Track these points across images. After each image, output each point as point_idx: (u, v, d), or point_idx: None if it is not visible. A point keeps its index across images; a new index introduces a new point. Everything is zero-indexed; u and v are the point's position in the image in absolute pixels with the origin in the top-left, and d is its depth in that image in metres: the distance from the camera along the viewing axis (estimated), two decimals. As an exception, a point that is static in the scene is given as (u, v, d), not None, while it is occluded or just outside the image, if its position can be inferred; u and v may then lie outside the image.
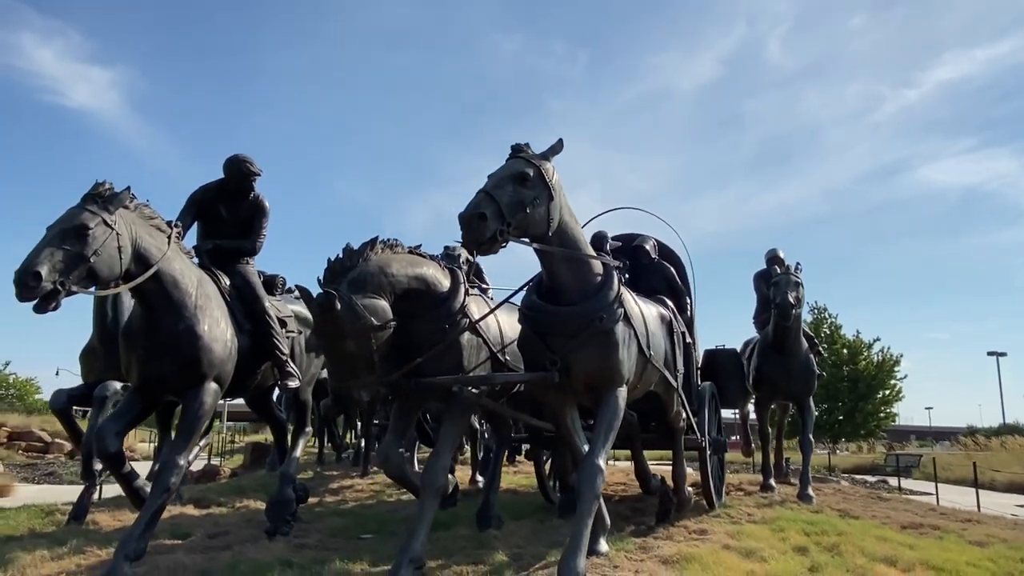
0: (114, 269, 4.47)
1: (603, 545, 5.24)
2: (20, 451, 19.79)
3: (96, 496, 9.90)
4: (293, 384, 5.80)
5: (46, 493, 12.29)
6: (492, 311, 5.24)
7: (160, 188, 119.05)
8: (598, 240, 6.91)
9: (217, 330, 5.07)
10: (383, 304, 4.55)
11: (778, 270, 8.71)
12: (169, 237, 4.98)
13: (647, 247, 7.90)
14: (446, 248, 7.08)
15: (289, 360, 5.75)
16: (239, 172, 5.79)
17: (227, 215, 5.84)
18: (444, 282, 5.11)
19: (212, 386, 5.03)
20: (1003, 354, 48.18)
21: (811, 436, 8.94)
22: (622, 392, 4.72)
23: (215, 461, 17.32)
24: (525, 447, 9.65)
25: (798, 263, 8.47)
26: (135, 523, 4.66)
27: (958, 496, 12.87)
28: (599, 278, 4.74)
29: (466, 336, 5.03)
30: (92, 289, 4.44)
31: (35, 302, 4.10)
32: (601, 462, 4.42)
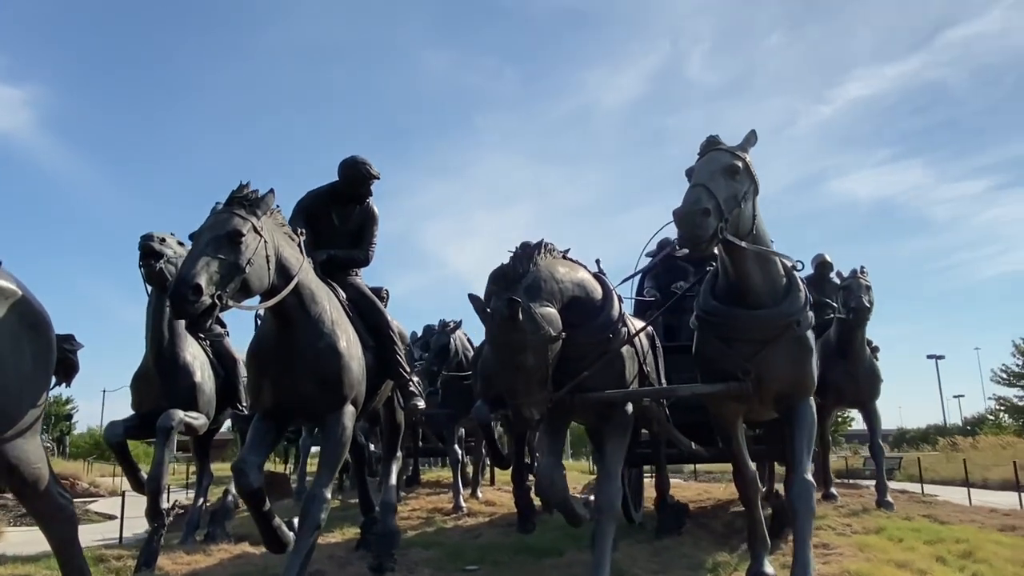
0: (263, 281, 3.93)
1: (768, 567, 4.92)
2: (-24, 491, 18.21)
3: (119, 539, 9.10)
4: (421, 405, 5.23)
5: (39, 537, 11.18)
6: (653, 319, 4.90)
7: (84, 212, 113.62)
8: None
9: (354, 347, 4.56)
10: (555, 313, 4.17)
11: (844, 275, 8.60)
12: (299, 246, 4.45)
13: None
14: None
15: (413, 379, 5.23)
16: (358, 175, 5.21)
17: (339, 223, 5.29)
18: (598, 289, 4.74)
19: (351, 409, 4.52)
20: (942, 357, 50.23)
21: (880, 441, 8.82)
22: (813, 402, 4.42)
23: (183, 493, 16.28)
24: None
25: (863, 266, 8.35)
26: (287, 567, 4.11)
27: (972, 496, 13.05)
28: (784, 279, 4.44)
29: (625, 347, 4.67)
30: (252, 304, 3.91)
31: (192, 318, 3.58)
32: (811, 477, 4.12)
